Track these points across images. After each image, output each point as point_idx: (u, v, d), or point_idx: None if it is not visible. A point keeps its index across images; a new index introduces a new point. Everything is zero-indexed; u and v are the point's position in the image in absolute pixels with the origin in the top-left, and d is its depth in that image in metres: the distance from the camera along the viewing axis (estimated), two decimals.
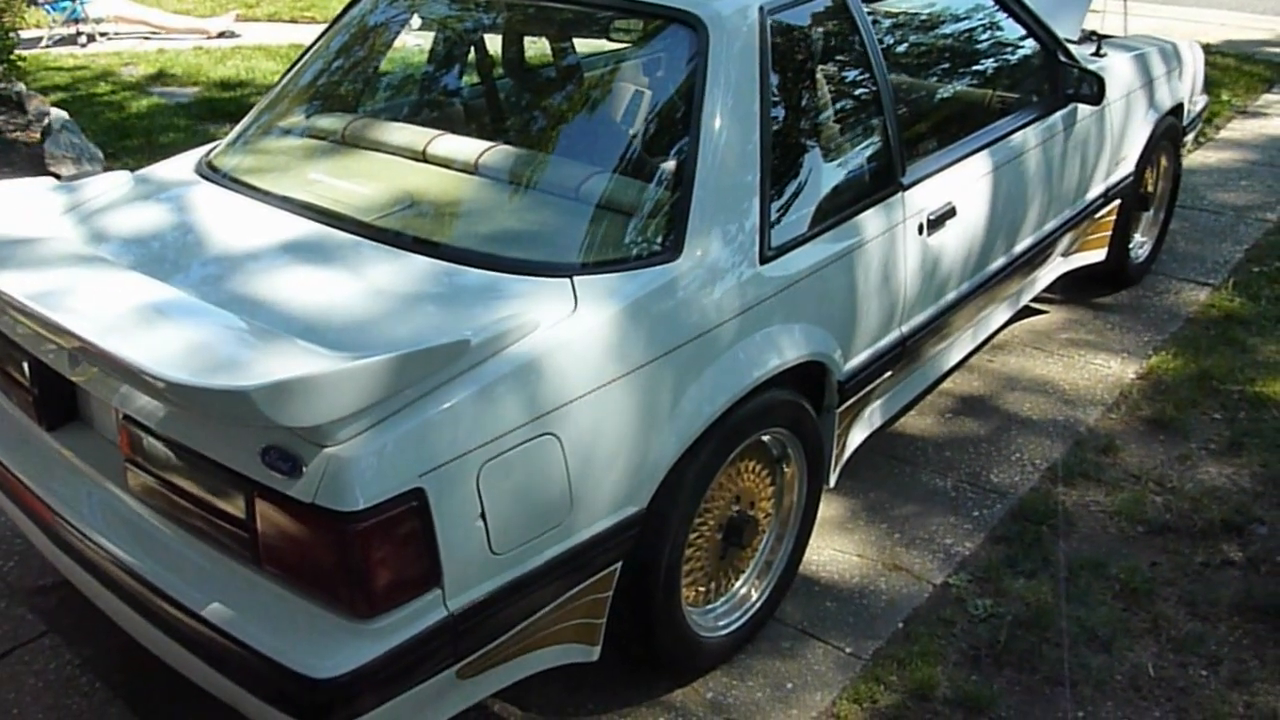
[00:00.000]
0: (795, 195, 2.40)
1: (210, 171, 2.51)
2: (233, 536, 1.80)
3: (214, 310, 1.86)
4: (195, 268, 2.12)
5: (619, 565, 2.09)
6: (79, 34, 8.71)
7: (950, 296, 2.94)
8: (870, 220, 2.53)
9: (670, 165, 2.22)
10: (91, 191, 2.45)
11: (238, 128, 2.73)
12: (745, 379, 2.18)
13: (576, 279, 2.00)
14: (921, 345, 2.88)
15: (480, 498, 1.78)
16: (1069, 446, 3.28)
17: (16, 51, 6.04)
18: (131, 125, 6.29)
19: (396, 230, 2.17)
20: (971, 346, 3.32)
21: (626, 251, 2.13)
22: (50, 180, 2.43)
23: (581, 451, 1.92)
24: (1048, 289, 3.82)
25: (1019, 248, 3.27)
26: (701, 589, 2.40)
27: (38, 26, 8.68)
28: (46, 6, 8.50)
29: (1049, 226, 3.44)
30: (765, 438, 2.39)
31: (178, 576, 1.85)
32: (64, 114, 5.81)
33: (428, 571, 1.75)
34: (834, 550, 2.83)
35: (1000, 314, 3.44)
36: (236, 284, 2.04)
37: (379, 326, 1.90)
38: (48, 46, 8.52)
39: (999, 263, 3.16)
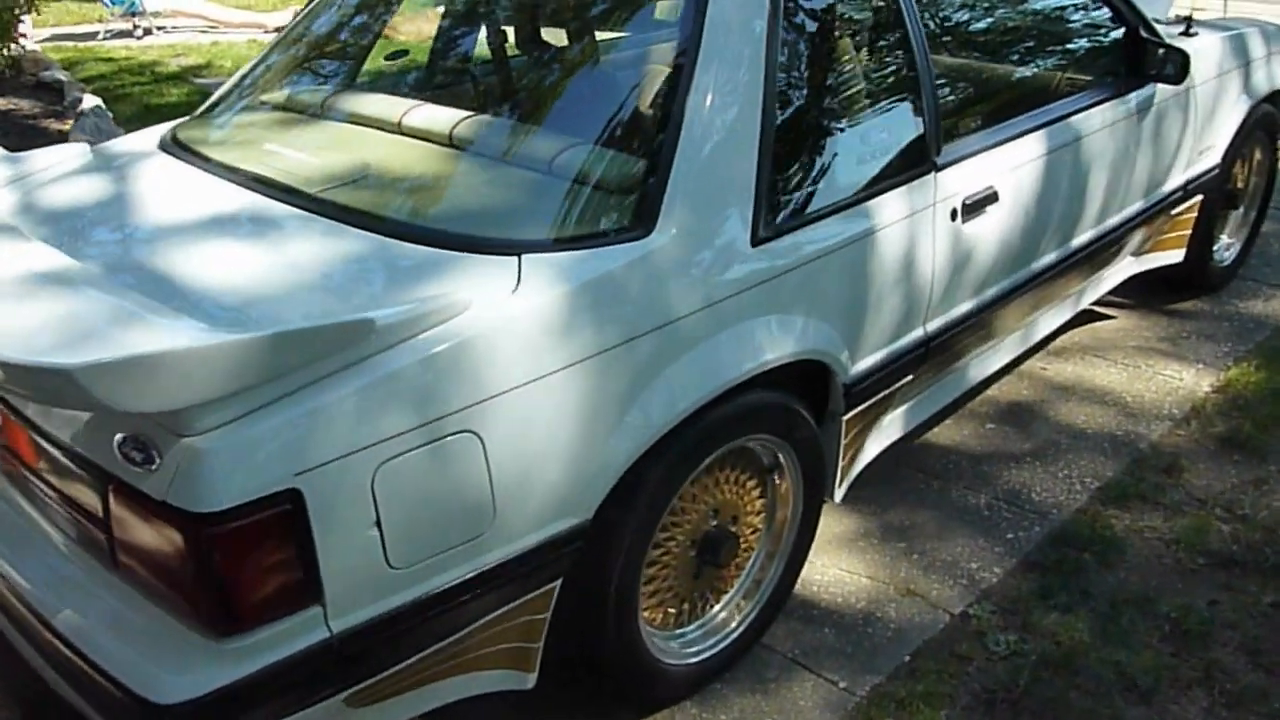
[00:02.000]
0: (803, 170, 2.03)
1: (171, 143, 2.27)
2: (92, 536, 1.54)
3: (106, 283, 1.60)
4: (113, 239, 1.88)
5: (558, 583, 1.78)
6: (135, 27, 8.71)
7: (990, 293, 2.52)
8: (892, 202, 2.15)
9: (651, 129, 1.89)
10: (43, 162, 2.24)
11: (212, 98, 2.51)
12: (720, 377, 1.84)
13: (526, 256, 1.69)
14: (953, 346, 2.47)
15: (375, 503, 1.48)
16: (1126, 464, 2.83)
17: (74, 45, 6.05)
18: (164, 111, 6.13)
19: (340, 203, 1.89)
20: (1019, 350, 2.89)
21: (590, 227, 1.80)
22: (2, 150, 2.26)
23: (509, 454, 1.60)
24: (1115, 291, 3.35)
25: (1077, 242, 2.82)
26: (672, 610, 2.07)
27: (99, 21, 8.76)
28: (105, 1, 8.52)
29: (1116, 221, 2.97)
30: (751, 444, 2.05)
31: (38, 577, 1.61)
32: (97, 100, 5.71)
33: (304, 586, 1.46)
34: (840, 570, 2.45)
35: (1055, 316, 3.00)
36: (150, 256, 1.78)
37: (287, 303, 1.62)
38: (104, 39, 8.55)
39: (1051, 257, 2.72)
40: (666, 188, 1.78)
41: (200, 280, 1.70)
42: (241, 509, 1.38)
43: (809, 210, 2.01)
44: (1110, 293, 3.30)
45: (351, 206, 1.87)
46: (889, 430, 2.47)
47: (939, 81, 2.33)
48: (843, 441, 2.23)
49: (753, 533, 2.17)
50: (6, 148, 2.27)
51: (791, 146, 2.01)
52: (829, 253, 2.01)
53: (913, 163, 2.22)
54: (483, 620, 1.70)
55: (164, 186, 2.08)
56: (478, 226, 1.79)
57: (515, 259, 1.68)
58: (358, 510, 1.47)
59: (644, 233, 1.76)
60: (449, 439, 1.54)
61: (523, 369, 1.60)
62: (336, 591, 1.49)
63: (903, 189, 2.18)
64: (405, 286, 1.66)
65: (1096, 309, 3.54)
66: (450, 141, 2.03)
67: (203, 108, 2.48)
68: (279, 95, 2.42)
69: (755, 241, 1.88)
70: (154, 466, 1.40)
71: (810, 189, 2.02)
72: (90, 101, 5.60)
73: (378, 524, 1.49)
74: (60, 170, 2.21)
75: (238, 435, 1.38)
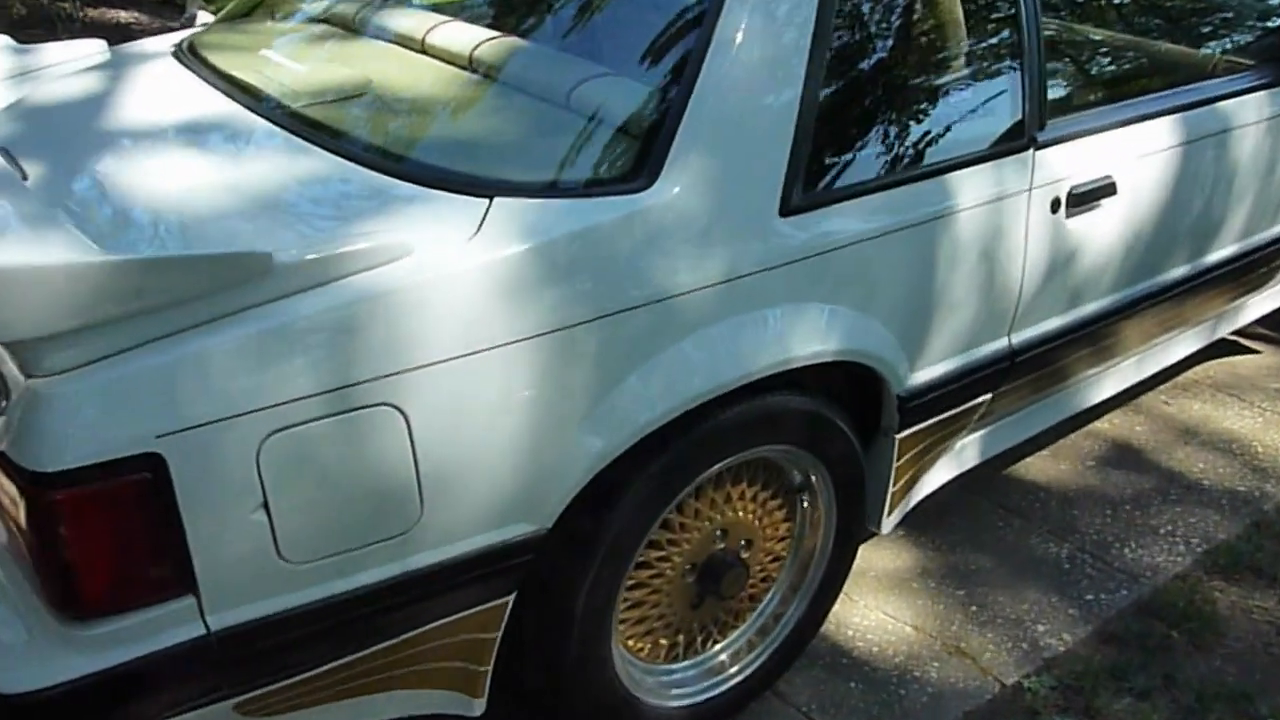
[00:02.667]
0: (857, 126, 1.64)
1: (185, 49, 2.04)
2: None
3: (21, 189, 1.38)
4: (70, 141, 1.63)
5: (510, 599, 1.47)
6: None
7: (1098, 305, 2.07)
8: (972, 180, 1.73)
9: (665, 56, 1.55)
10: (52, 57, 2.05)
11: (247, 4, 2.27)
12: (729, 372, 1.49)
13: (499, 200, 1.38)
14: (1047, 365, 2.05)
15: (261, 481, 1.20)
16: (1243, 528, 2.34)
17: None
18: None
19: (314, 119, 1.60)
20: (1136, 379, 2.43)
21: (580, 171, 1.48)
22: (8, 40, 2.09)
23: (441, 438, 1.30)
24: (1261, 321, 2.82)
25: (1217, 256, 2.32)
26: (663, 641, 1.74)
27: None
28: None
29: (1268, 235, 2.47)
30: (773, 457, 1.69)
31: None
32: (209, 15, 5.68)
33: (172, 572, 1.19)
34: (883, 614, 2.08)
35: (1184, 343, 2.51)
36: (96, 163, 1.53)
37: (204, 225, 1.35)
38: None
39: (1181, 271, 2.24)
40: (677, 131, 1.43)
41: (131, 193, 1.44)
42: (89, 471, 1.11)
43: (861, 178, 1.61)
44: (1255, 322, 2.79)
45: (324, 124, 1.59)
46: (961, 456, 2.08)
47: (1051, 39, 1.90)
48: (895, 464, 1.85)
49: (773, 561, 1.82)
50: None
51: (844, 96, 1.62)
52: (884, 234, 1.62)
53: (1005, 135, 1.79)
54: (410, 634, 1.41)
55: (151, 91, 1.83)
56: (452, 159, 1.48)
57: (486, 201, 1.37)
58: (238, 488, 1.20)
59: (644, 184, 1.42)
60: (362, 412, 1.24)
61: (467, 336, 1.29)
62: (213, 582, 1.22)
63: (988, 166, 1.76)
64: (349, 220, 1.38)
65: (1237, 339, 3.02)
66: (469, 64, 1.73)
67: (230, 9, 2.26)
68: (318, 5, 2.16)
69: (786, 210, 1.51)
70: (2, 407, 1.17)
71: (864, 151, 1.63)
72: (203, 18, 5.59)
73: (265, 507, 1.21)
74: (65, 68, 2.00)
75: (91, 381, 1.12)
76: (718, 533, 1.69)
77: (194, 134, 1.64)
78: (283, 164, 1.52)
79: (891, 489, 1.88)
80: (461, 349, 1.28)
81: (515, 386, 1.33)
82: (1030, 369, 1.99)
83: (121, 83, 1.89)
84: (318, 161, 1.51)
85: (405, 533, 1.33)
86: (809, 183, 1.54)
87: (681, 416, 1.47)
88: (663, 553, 1.63)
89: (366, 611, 1.35)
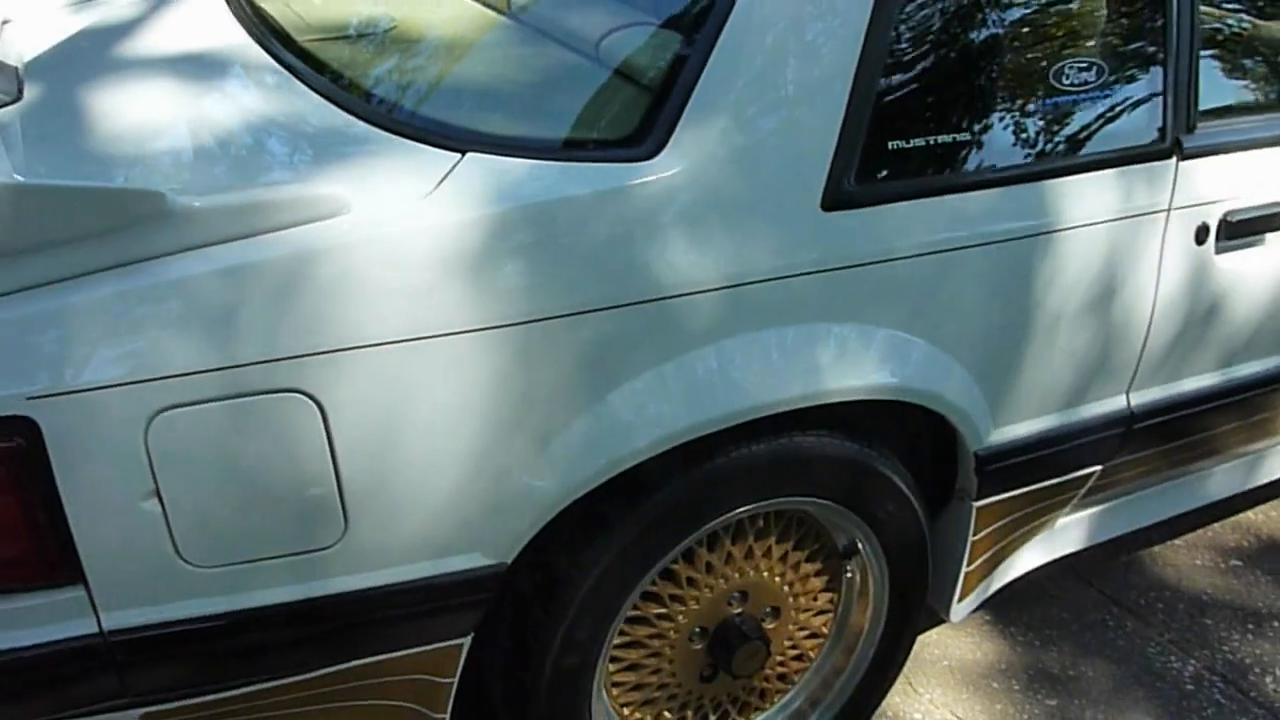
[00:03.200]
0: (937, 106, 1.30)
1: None
2: None
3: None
4: (66, 67, 1.45)
5: (466, 642, 1.23)
6: None
7: (1253, 368, 1.67)
8: (1091, 190, 1.38)
9: (695, 11, 1.27)
10: None
11: None
12: (738, 400, 1.20)
13: (471, 154, 1.14)
14: (1179, 437, 1.67)
15: (150, 465, 1.01)
16: None
17: None
18: None
19: (309, 54, 1.41)
20: None
21: (574, 131, 1.24)
22: None
23: (365, 438, 1.07)
24: None
25: None
26: (668, 715, 1.46)
27: None
28: None
29: None
30: (811, 511, 1.39)
31: None
32: None
33: (56, 555, 1.01)
34: (951, 715, 1.71)
35: None
36: (75, 89, 1.35)
37: (127, 160, 1.17)
38: None
39: None
40: (694, 89, 1.16)
41: (92, 120, 1.27)
42: None
43: (938, 171, 1.30)
44: None
45: (318, 60, 1.39)
46: (1062, 537, 1.72)
47: (1210, 25, 1.54)
48: (972, 538, 1.51)
49: (809, 637, 1.52)
50: None
51: (922, 62, 1.29)
52: (965, 246, 1.30)
53: (1139, 136, 1.43)
54: (345, 665, 1.18)
55: (175, 20, 1.64)
56: (435, 107, 1.27)
57: (458, 155, 1.14)
58: (125, 469, 1.00)
59: (646, 152, 1.15)
60: (266, 398, 1.02)
61: (406, 318, 1.05)
62: (104, 574, 1.03)
63: (1114, 174, 1.40)
64: (295, 166, 1.18)
65: None
66: (507, 7, 1.53)
67: None
68: None
69: (832, 201, 1.21)
70: None
71: (944, 136, 1.30)
72: None
73: (157, 496, 1.02)
74: None
75: None
76: (735, 595, 1.41)
77: (190, 65, 1.45)
78: (261, 100, 1.33)
79: (965, 568, 1.54)
80: (396, 333, 1.05)
81: (463, 387, 1.09)
82: (1154, 440, 1.62)
83: (155, 10, 1.77)
84: (298, 98, 1.31)
85: (328, 548, 1.10)
86: (865, 169, 1.23)
87: (681, 448, 1.20)
88: (664, 609, 1.37)
89: (287, 634, 1.14)
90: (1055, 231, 1.36)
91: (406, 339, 1.05)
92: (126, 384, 0.99)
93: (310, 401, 1.04)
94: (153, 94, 1.37)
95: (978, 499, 1.48)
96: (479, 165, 1.13)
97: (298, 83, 1.33)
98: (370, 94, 1.33)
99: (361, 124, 1.24)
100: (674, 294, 1.14)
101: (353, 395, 1.06)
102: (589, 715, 1.33)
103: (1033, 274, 1.36)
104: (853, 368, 1.26)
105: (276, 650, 1.15)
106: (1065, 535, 1.73)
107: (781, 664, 1.50)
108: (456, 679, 1.25)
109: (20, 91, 1.38)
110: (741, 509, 1.29)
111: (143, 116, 1.29)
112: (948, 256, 1.29)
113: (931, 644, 1.87)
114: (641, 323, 1.14)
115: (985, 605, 1.65)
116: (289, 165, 1.20)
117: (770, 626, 1.44)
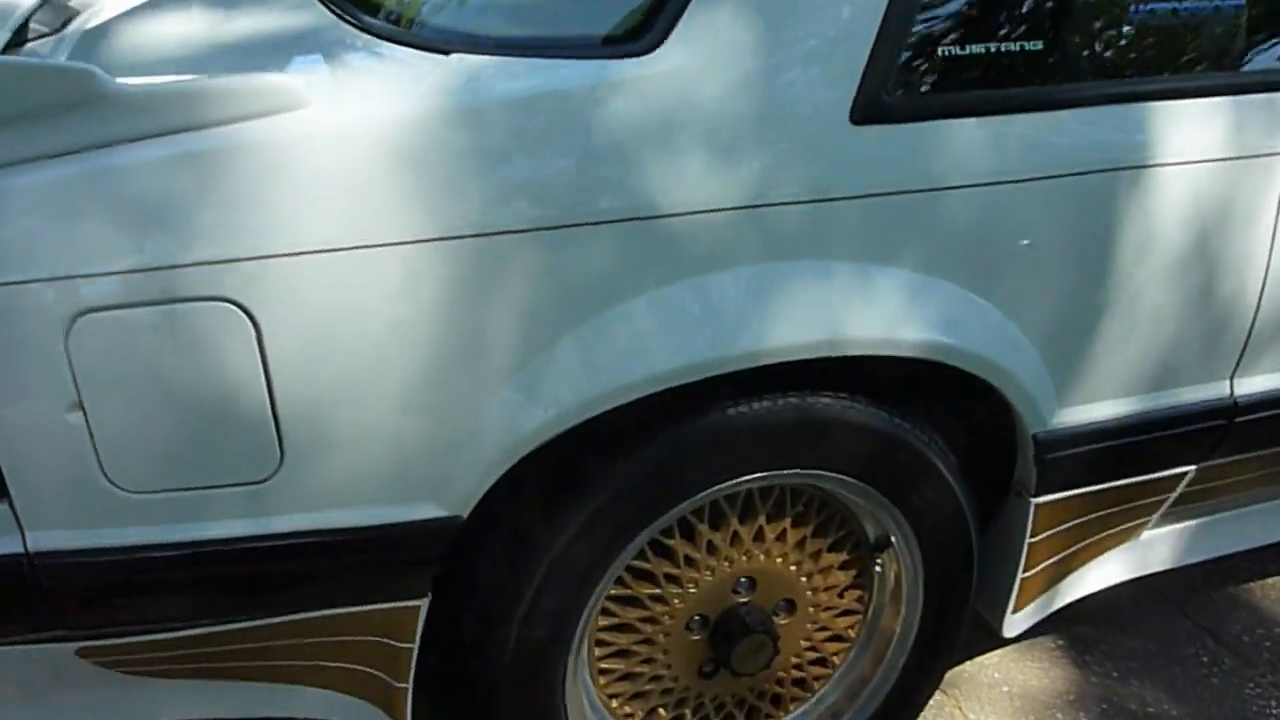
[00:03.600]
0: (1005, 7, 1.10)
1: None
2: None
3: None
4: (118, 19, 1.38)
5: (423, 605, 1.10)
6: None
7: None
8: (1193, 120, 1.16)
9: None
10: None
11: None
12: (735, 343, 1.03)
13: (457, 55, 1.02)
14: None
15: (73, 373, 0.92)
16: None
17: None
18: None
19: None
20: None
21: (574, 28, 1.08)
22: None
23: (303, 358, 0.95)
24: None
25: None
26: (663, 713, 1.30)
27: None
28: None
29: None
30: (833, 491, 1.22)
31: None
32: None
33: None
34: None
35: None
36: (107, 29, 1.30)
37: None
38: None
39: None
40: None
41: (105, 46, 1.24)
42: None
43: (996, 86, 1.09)
44: None
45: None
46: (1149, 552, 1.47)
47: None
48: (1029, 539, 1.31)
49: (830, 639, 1.33)
50: None
51: None
52: (1030, 179, 1.09)
53: (1268, 56, 1.19)
54: (291, 618, 1.07)
55: None
56: (440, 16, 1.17)
57: (441, 57, 1.03)
58: (47, 375, 0.91)
59: (644, 46, 1.00)
60: (194, 306, 0.92)
61: (355, 223, 0.93)
62: (27, 488, 0.95)
63: (1227, 103, 1.17)
64: (272, 65, 1.10)
65: None
66: None
67: None
68: None
69: (866, 114, 1.03)
70: None
71: (1011, 44, 1.09)
72: None
73: (80, 407, 0.94)
74: None
75: None
76: (741, 582, 1.24)
77: None
78: (274, 14, 1.26)
79: (1021, 573, 1.33)
80: (343, 240, 0.93)
81: (417, 306, 0.96)
82: (1263, 438, 1.37)
83: None
84: (310, 15, 1.23)
85: (263, 482, 0.99)
86: (908, 76, 1.05)
87: (670, 398, 1.05)
88: (657, 590, 1.21)
89: (221, 576, 1.03)
90: (1149, 168, 1.14)
91: (354, 246, 0.93)
92: (46, 280, 0.90)
93: (242, 314, 0.93)
94: (174, 25, 1.32)
95: (1037, 494, 1.27)
96: (460, 64, 1.01)
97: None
98: (376, 7, 1.22)
99: (346, 26, 1.15)
100: (667, 213, 0.99)
101: (290, 309, 0.94)
102: (561, 698, 1.17)
103: (1116, 220, 1.15)
104: (882, 317, 1.07)
105: (211, 592, 1.04)
106: (1152, 550, 1.49)
107: (798, 667, 1.33)
108: (416, 645, 1.12)
109: (64, 26, 1.34)
110: (743, 479, 1.12)
111: (156, 26, 1.23)
112: (1008, 191, 1.09)
113: (991, 666, 1.65)
114: (627, 244, 0.99)
115: (1057, 628, 1.44)
116: (259, 62, 1.12)
117: (782, 622, 1.27)
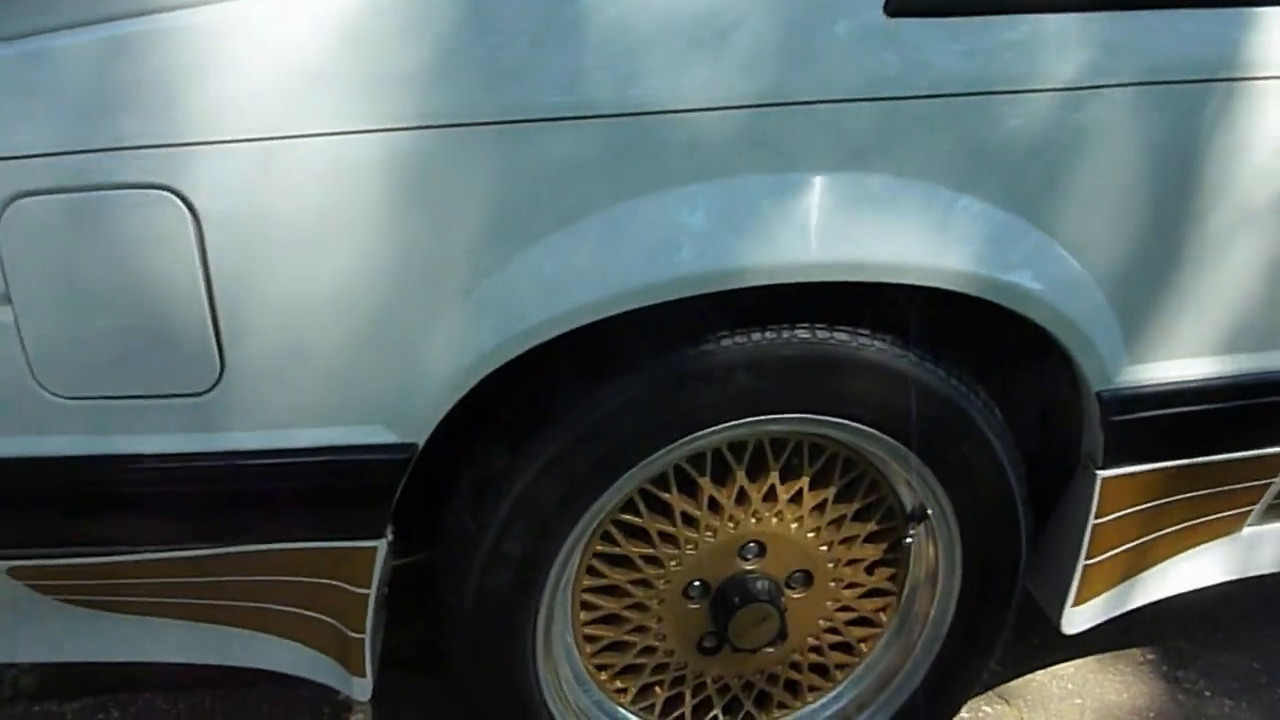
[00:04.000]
0: None
1: None
2: None
3: None
4: None
5: (380, 546, 0.99)
6: None
7: None
8: None
9: None
10: None
11: None
12: (735, 257, 0.90)
13: None
14: None
15: (1, 265, 0.85)
16: None
17: None
18: None
19: None
20: None
21: None
22: None
23: (248, 254, 0.87)
24: None
25: None
26: (659, 692, 1.15)
27: None
28: None
29: None
30: (853, 445, 1.06)
31: None
32: None
33: None
34: None
35: None
36: None
37: None
38: None
39: None
40: None
41: None
42: None
43: None
44: None
45: None
46: (1254, 550, 1.25)
47: None
48: (1094, 518, 1.12)
49: (855, 622, 1.17)
50: None
51: None
52: (1098, 86, 0.92)
53: None
54: (237, 549, 0.98)
55: None
56: None
57: None
58: None
59: None
60: (128, 193, 0.84)
61: (299, 111, 0.84)
62: None
63: None
64: None
65: None
66: None
67: None
68: None
69: (898, 4, 0.88)
70: None
71: None
72: None
73: (8, 300, 0.87)
74: None
75: None
76: (748, 548, 1.10)
77: None
78: None
79: (1084, 559, 1.15)
80: (284, 127, 0.84)
81: (370, 204, 0.86)
82: None
83: None
84: None
85: (202, 394, 0.91)
86: None
87: (655, 322, 0.92)
88: (650, 549, 1.09)
89: (159, 493, 0.95)
90: (1250, 80, 0.95)
91: (297, 135, 0.84)
92: None
93: (181, 203, 0.86)
94: None
95: (1104, 466, 1.08)
96: None
97: None
98: None
99: None
100: (664, 109, 0.87)
101: (232, 201, 0.86)
102: (531, 659, 1.05)
103: (1209, 139, 0.96)
104: (911, 239, 0.92)
105: (146, 515, 0.97)
106: (1258, 549, 1.27)
107: (816, 650, 1.18)
108: (373, 591, 1.03)
109: None
110: (741, 422, 0.98)
111: None
112: (1070, 100, 0.93)
113: (1066, 676, 1.46)
114: (611, 143, 0.87)
115: (1146, 637, 1.24)
116: None
117: (796, 596, 1.12)
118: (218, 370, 0.91)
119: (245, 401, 0.92)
